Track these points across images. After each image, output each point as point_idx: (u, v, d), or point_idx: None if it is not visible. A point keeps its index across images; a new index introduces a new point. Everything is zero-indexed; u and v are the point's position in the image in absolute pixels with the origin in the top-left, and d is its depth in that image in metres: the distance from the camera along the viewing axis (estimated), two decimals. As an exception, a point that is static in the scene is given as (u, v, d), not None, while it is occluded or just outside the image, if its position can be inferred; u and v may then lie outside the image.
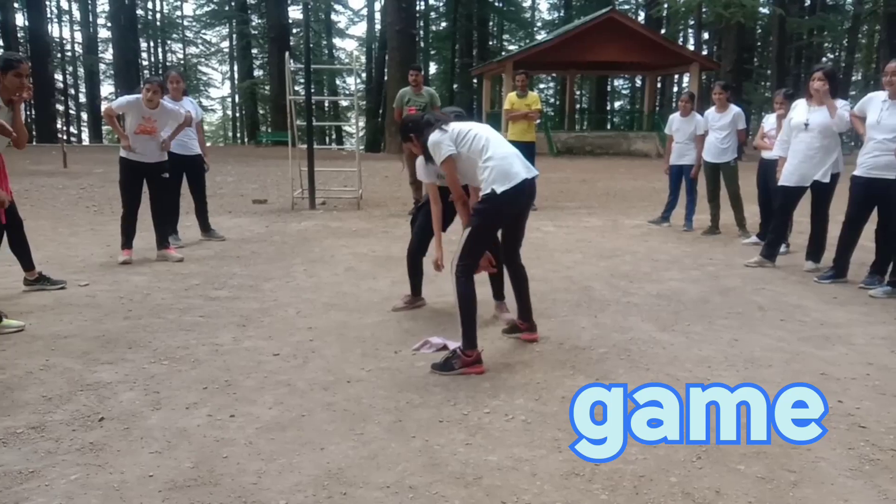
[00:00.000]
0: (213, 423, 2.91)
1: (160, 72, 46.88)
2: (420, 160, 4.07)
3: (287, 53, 9.63)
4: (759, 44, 39.50)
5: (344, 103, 42.44)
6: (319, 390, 3.26)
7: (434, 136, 3.66)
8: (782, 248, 6.34)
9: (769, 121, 7.03)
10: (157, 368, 3.54)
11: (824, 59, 43.41)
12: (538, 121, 10.24)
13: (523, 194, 3.63)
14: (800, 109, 5.85)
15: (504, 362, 3.62)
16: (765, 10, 31.32)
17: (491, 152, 3.60)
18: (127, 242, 6.06)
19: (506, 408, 3.04)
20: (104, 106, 6.02)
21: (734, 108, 7.47)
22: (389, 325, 4.32)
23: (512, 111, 9.30)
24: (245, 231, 7.79)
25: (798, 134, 5.77)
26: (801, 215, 6.30)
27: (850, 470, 2.51)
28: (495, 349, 3.83)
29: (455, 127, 3.72)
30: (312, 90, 10.19)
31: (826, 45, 42.35)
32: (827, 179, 5.70)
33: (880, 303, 4.89)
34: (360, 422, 2.91)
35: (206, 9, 45.37)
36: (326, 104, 43.21)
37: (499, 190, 3.50)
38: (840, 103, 5.60)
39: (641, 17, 41.00)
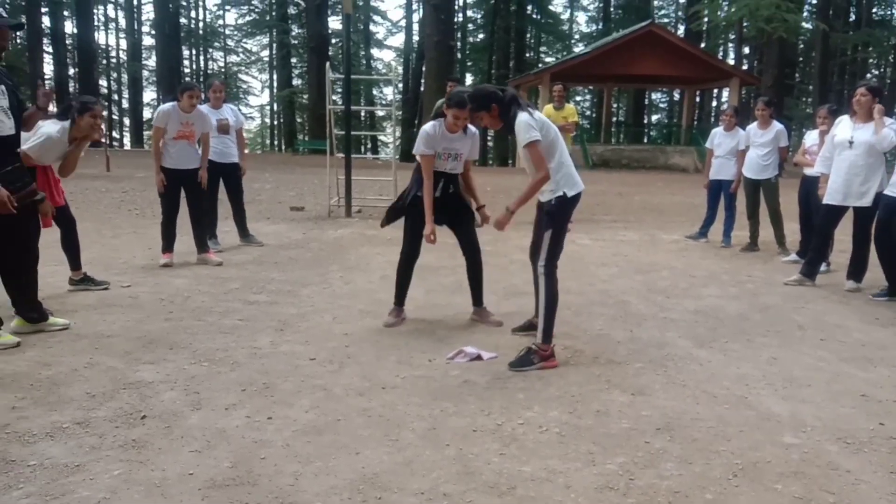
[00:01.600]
0: (252, 425, 2.96)
1: (201, 79, 47.91)
2: (433, 131, 4.24)
3: (328, 64, 9.77)
4: (801, 59, 38.96)
5: (380, 113, 42.78)
6: (355, 396, 3.30)
7: (525, 117, 3.71)
8: (823, 268, 6.23)
9: (811, 137, 6.93)
10: (197, 369, 3.62)
11: (868, 74, 42.65)
12: (574, 133, 10.23)
13: (579, 201, 3.89)
14: (844, 126, 5.75)
15: (538, 374, 3.62)
16: (808, 25, 30.92)
17: (561, 155, 3.80)
18: (168, 246, 6.21)
19: (540, 419, 3.04)
20: (154, 125, 6.20)
21: (777, 125, 7.38)
22: (423, 333, 4.35)
23: None
24: (283, 237, 7.90)
25: (842, 152, 5.67)
26: (843, 233, 6.19)
27: (891, 494, 2.46)
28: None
29: (539, 116, 3.80)
30: (338, 93, 10.30)
31: (871, 60, 41.57)
32: (869, 203, 5.59)
33: (925, 325, 4.78)
34: (395, 428, 2.94)
35: (247, 18, 46.27)
36: (363, 114, 43.63)
37: (570, 193, 3.77)
38: (888, 121, 5.51)
39: (681, 30, 40.72)
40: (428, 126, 4.30)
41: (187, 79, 43.64)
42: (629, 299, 5.30)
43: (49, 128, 4.66)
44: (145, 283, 5.50)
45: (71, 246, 5.18)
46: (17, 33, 35.61)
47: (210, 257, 6.33)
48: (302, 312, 4.76)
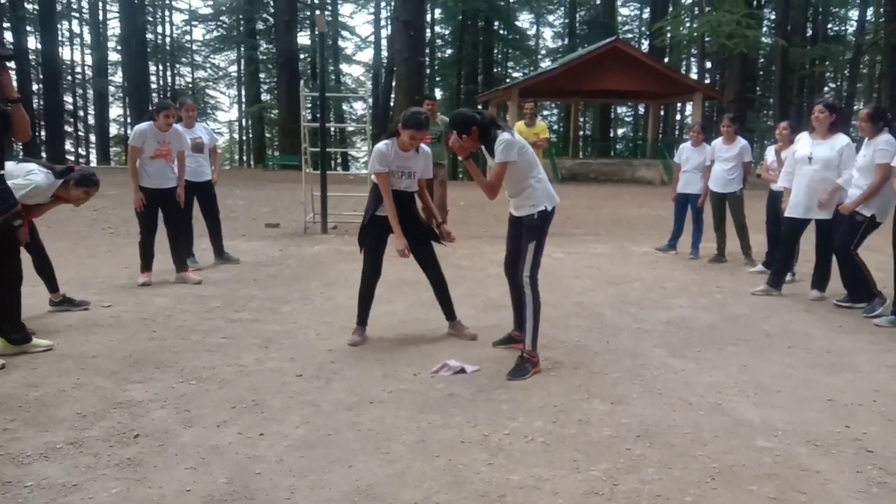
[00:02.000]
0: (244, 441, 3.03)
1: (168, 95, 47.56)
2: (387, 150, 4.31)
3: (302, 81, 9.85)
4: (761, 73, 39.94)
5: (349, 128, 42.88)
6: (344, 410, 3.38)
7: (507, 137, 3.95)
8: (788, 277, 6.46)
9: (770, 153, 7.19)
10: (185, 388, 3.66)
11: (826, 88, 43.88)
12: (545, 148, 10.47)
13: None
14: (803, 142, 6.00)
15: (520, 385, 3.74)
16: (767, 40, 31.74)
17: (539, 171, 4.06)
18: (146, 265, 6.23)
19: (525, 429, 3.15)
20: (131, 145, 6.22)
21: (741, 141, 7.63)
22: (406, 347, 4.44)
23: None
24: (260, 254, 7.94)
25: (802, 167, 5.90)
26: (807, 243, 6.42)
27: (858, 492, 2.62)
28: (506, 371, 3.94)
29: (519, 138, 4.04)
30: (309, 106, 10.36)
31: (828, 74, 42.79)
32: (829, 216, 5.83)
33: (885, 331, 5.00)
34: (385, 441, 3.03)
35: (214, 34, 46.09)
36: (333, 129, 43.70)
37: (549, 207, 4.07)
38: (843, 138, 5.79)
39: (645, 45, 41.53)
40: (381, 145, 4.35)
41: (156, 96, 43.29)
42: (603, 311, 5.46)
43: (40, 178, 4.64)
44: (126, 302, 5.51)
45: (45, 269, 5.18)
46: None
47: (189, 276, 6.36)
48: (285, 329, 4.83)
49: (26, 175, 4.59)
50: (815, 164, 5.79)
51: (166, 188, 6.21)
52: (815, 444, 3.03)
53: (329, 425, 3.20)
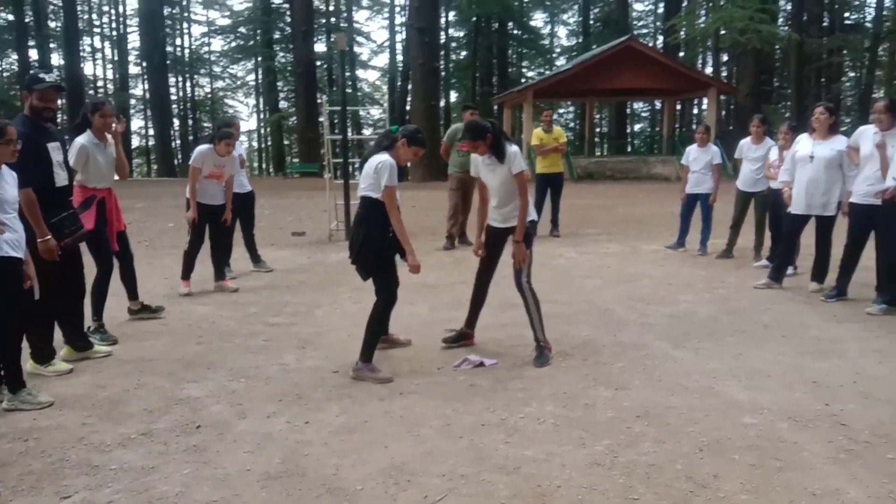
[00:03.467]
0: (293, 429, 3.48)
1: (188, 105, 48.50)
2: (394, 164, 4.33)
3: (325, 97, 10.34)
4: (777, 64, 39.88)
5: (369, 139, 43.43)
6: (377, 401, 3.82)
7: (517, 149, 4.51)
8: (790, 271, 6.81)
9: (773, 152, 7.52)
10: (235, 385, 4.13)
11: (843, 78, 43.66)
12: (565, 151, 10.99)
13: None
14: (804, 142, 6.34)
15: (534, 375, 4.16)
16: (784, 30, 31.78)
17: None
18: (186, 274, 6.68)
19: (537, 413, 3.57)
20: (192, 166, 6.66)
21: (770, 142, 7.76)
22: (431, 346, 4.86)
23: (541, 146, 10.03)
24: (289, 262, 8.42)
25: (804, 166, 6.24)
26: (807, 237, 6.75)
27: (828, 458, 3.01)
28: (524, 365, 4.36)
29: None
30: (335, 120, 10.83)
31: (847, 64, 42.60)
32: (830, 212, 6.17)
33: (877, 319, 5.35)
34: (415, 426, 3.46)
35: (232, 45, 46.92)
36: (352, 140, 44.17)
37: (536, 218, 4.63)
38: (841, 139, 6.12)
39: (660, 41, 41.66)
40: (391, 160, 4.23)
41: (176, 107, 44.09)
42: (612, 307, 5.85)
43: (77, 140, 5.08)
44: (170, 310, 5.97)
45: (130, 278, 5.60)
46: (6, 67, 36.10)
47: (226, 284, 6.84)
48: (319, 331, 5.28)
49: (72, 148, 4.97)
50: (816, 164, 6.13)
51: (216, 205, 6.68)
52: (795, 420, 3.42)
53: (365, 413, 3.64)
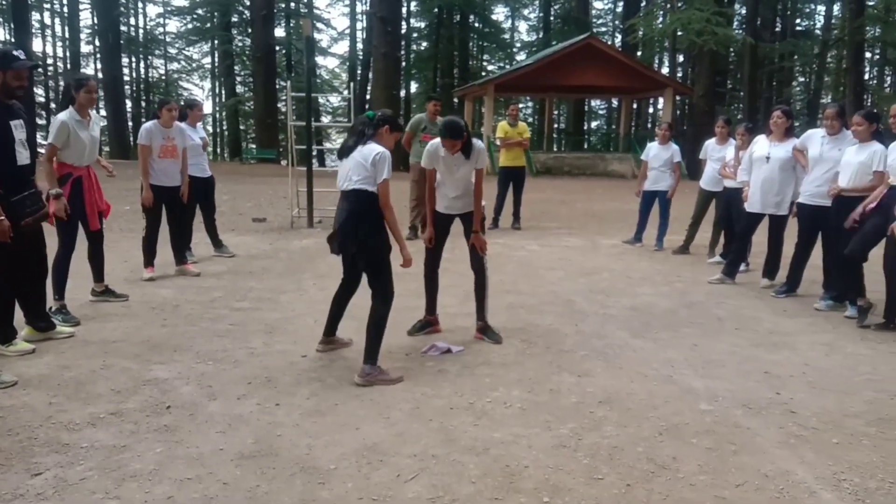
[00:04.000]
0: (264, 410, 3.51)
1: (142, 87, 47.40)
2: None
3: (289, 84, 10.28)
4: (731, 67, 40.86)
5: (332, 126, 43.13)
6: (347, 385, 3.88)
7: (481, 144, 4.66)
8: (742, 267, 7.07)
9: (729, 152, 7.77)
10: (204, 367, 4.13)
11: (794, 83, 45.00)
12: (527, 147, 11.17)
13: None
14: (761, 144, 6.59)
15: (500, 362, 4.27)
16: (738, 33, 32.57)
17: None
18: (149, 261, 6.57)
19: (504, 398, 3.68)
20: (140, 144, 6.57)
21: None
22: (398, 333, 4.92)
23: (506, 139, 10.17)
24: (251, 248, 8.37)
25: (760, 166, 6.50)
26: (759, 235, 7.02)
27: (778, 443, 3.19)
28: (491, 352, 4.46)
29: None
30: (294, 107, 10.78)
31: (797, 69, 43.89)
32: (783, 212, 6.44)
33: (824, 315, 5.61)
34: (386, 409, 3.54)
35: (189, 26, 45.96)
36: (314, 127, 43.79)
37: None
38: (794, 141, 6.38)
39: (618, 39, 42.25)
40: (387, 150, 4.10)
41: (129, 88, 43.06)
42: (574, 298, 6.00)
43: (58, 116, 5.06)
44: (133, 293, 5.90)
45: (98, 259, 5.57)
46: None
47: (189, 268, 6.78)
48: (286, 317, 5.30)
49: (53, 123, 5.01)
50: (772, 164, 6.39)
51: (172, 186, 6.56)
52: (748, 407, 3.59)
53: (336, 397, 3.70)
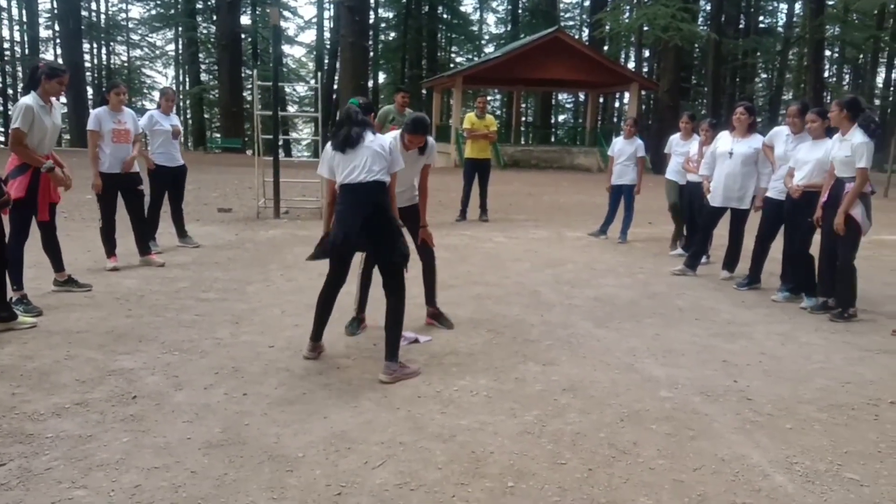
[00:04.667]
0: (231, 400, 3.52)
1: (103, 74, 46.42)
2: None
3: (255, 72, 10.19)
4: (696, 63, 41.47)
5: (299, 117, 42.73)
6: (315, 374, 3.91)
7: (434, 142, 4.60)
8: (703, 260, 7.23)
9: (693, 147, 7.92)
10: (170, 358, 4.12)
11: (756, 79, 45.84)
12: (495, 140, 11.21)
13: None
14: (724, 139, 6.74)
15: (467, 351, 4.33)
16: (703, 30, 33.05)
17: None
18: (111, 250, 6.47)
19: (471, 386, 3.74)
20: (89, 130, 6.46)
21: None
22: (368, 323, 4.96)
23: (473, 130, 10.21)
24: (217, 238, 8.31)
25: (723, 161, 6.65)
26: (720, 229, 7.18)
27: (735, 428, 3.30)
28: (458, 341, 4.52)
29: None
30: (259, 96, 10.71)
31: (760, 65, 44.73)
32: (745, 206, 6.60)
33: (780, 306, 5.78)
34: (354, 398, 3.57)
35: (153, 12, 45.13)
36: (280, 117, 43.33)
37: None
38: (759, 137, 6.55)
39: (585, 34, 42.56)
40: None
41: (90, 75, 42.14)
42: (540, 289, 6.09)
43: (23, 99, 4.98)
44: (96, 283, 5.83)
45: (53, 248, 5.48)
46: None
47: (153, 259, 6.71)
48: (252, 307, 5.29)
49: (16, 107, 4.95)
50: (735, 159, 6.54)
51: (126, 174, 6.41)
52: (706, 395, 3.71)
53: (303, 386, 3.72)
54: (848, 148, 5.21)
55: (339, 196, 3.95)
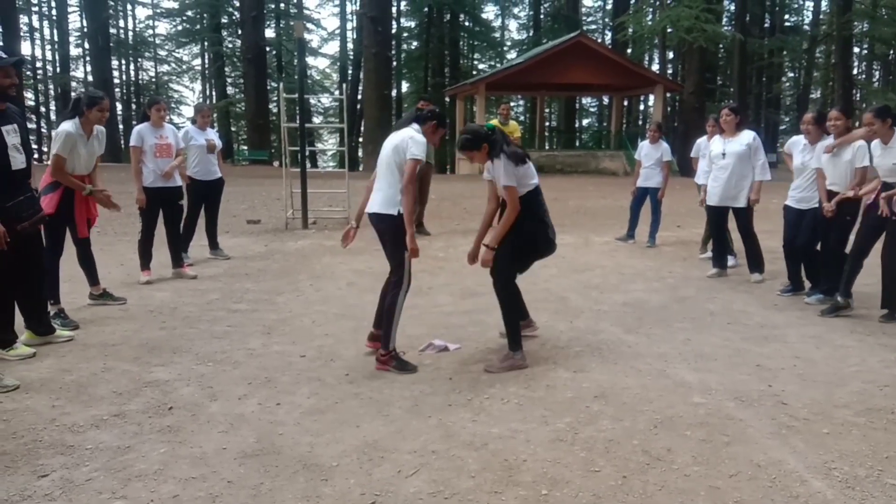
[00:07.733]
0: (265, 410, 3.57)
1: (131, 89, 47.26)
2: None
3: (281, 85, 10.32)
4: (720, 63, 41.09)
5: (324, 128, 43.11)
6: (346, 384, 3.94)
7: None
8: (732, 262, 7.18)
9: (695, 149, 7.90)
10: (204, 369, 4.18)
11: (783, 78, 45.27)
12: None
13: None
14: (716, 142, 6.83)
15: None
16: (727, 30, 32.76)
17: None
18: (146, 264, 6.60)
19: (501, 394, 3.74)
20: (132, 146, 6.62)
21: None
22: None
23: None
24: (246, 250, 8.41)
25: (718, 162, 6.72)
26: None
27: (770, 433, 3.26)
28: (488, 350, 4.53)
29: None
30: (285, 108, 10.82)
31: (786, 64, 44.18)
32: (741, 204, 6.60)
33: (813, 308, 5.69)
34: (385, 406, 3.59)
35: (179, 28, 45.86)
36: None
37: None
38: (750, 133, 6.61)
39: (608, 36, 42.38)
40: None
41: (119, 91, 42.93)
42: (568, 295, 6.07)
43: (63, 126, 5.12)
44: (130, 297, 5.94)
45: (88, 262, 5.63)
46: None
47: (185, 271, 6.82)
48: (283, 318, 5.35)
49: (57, 133, 5.09)
50: (728, 159, 6.61)
51: (169, 188, 6.57)
52: (741, 400, 3.66)
53: (335, 395, 3.75)
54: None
55: (535, 200, 4.56)
